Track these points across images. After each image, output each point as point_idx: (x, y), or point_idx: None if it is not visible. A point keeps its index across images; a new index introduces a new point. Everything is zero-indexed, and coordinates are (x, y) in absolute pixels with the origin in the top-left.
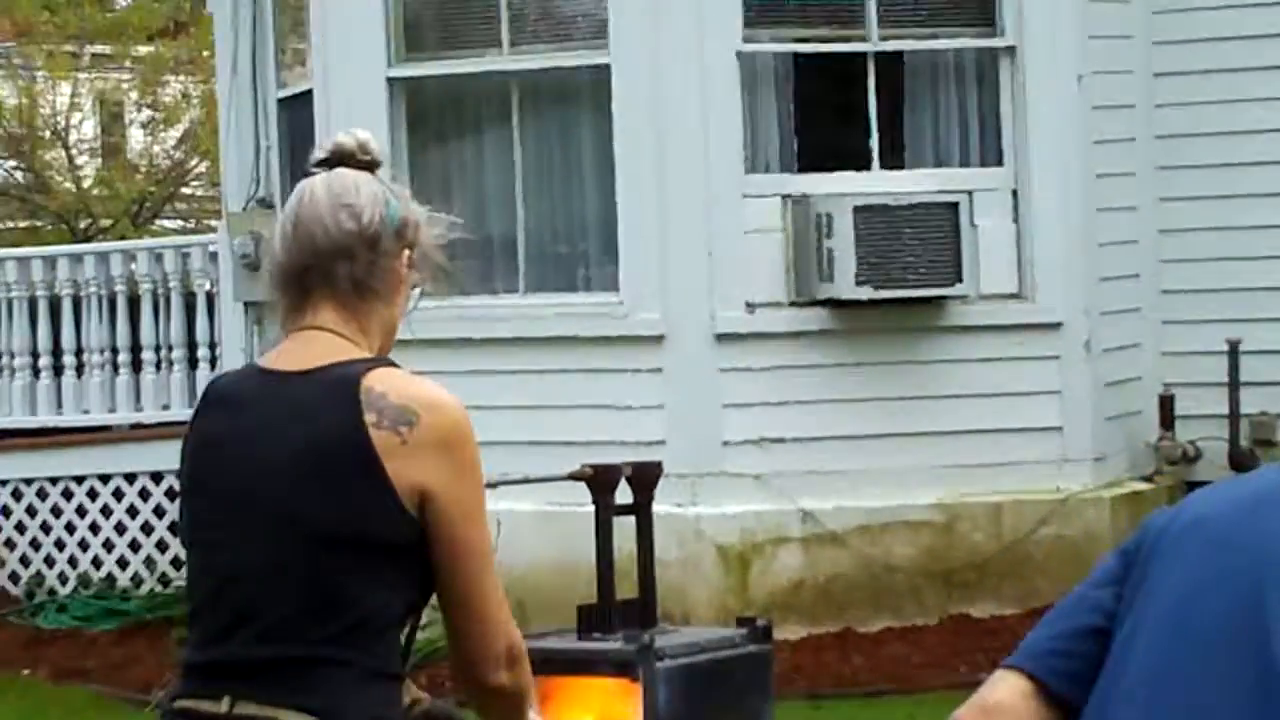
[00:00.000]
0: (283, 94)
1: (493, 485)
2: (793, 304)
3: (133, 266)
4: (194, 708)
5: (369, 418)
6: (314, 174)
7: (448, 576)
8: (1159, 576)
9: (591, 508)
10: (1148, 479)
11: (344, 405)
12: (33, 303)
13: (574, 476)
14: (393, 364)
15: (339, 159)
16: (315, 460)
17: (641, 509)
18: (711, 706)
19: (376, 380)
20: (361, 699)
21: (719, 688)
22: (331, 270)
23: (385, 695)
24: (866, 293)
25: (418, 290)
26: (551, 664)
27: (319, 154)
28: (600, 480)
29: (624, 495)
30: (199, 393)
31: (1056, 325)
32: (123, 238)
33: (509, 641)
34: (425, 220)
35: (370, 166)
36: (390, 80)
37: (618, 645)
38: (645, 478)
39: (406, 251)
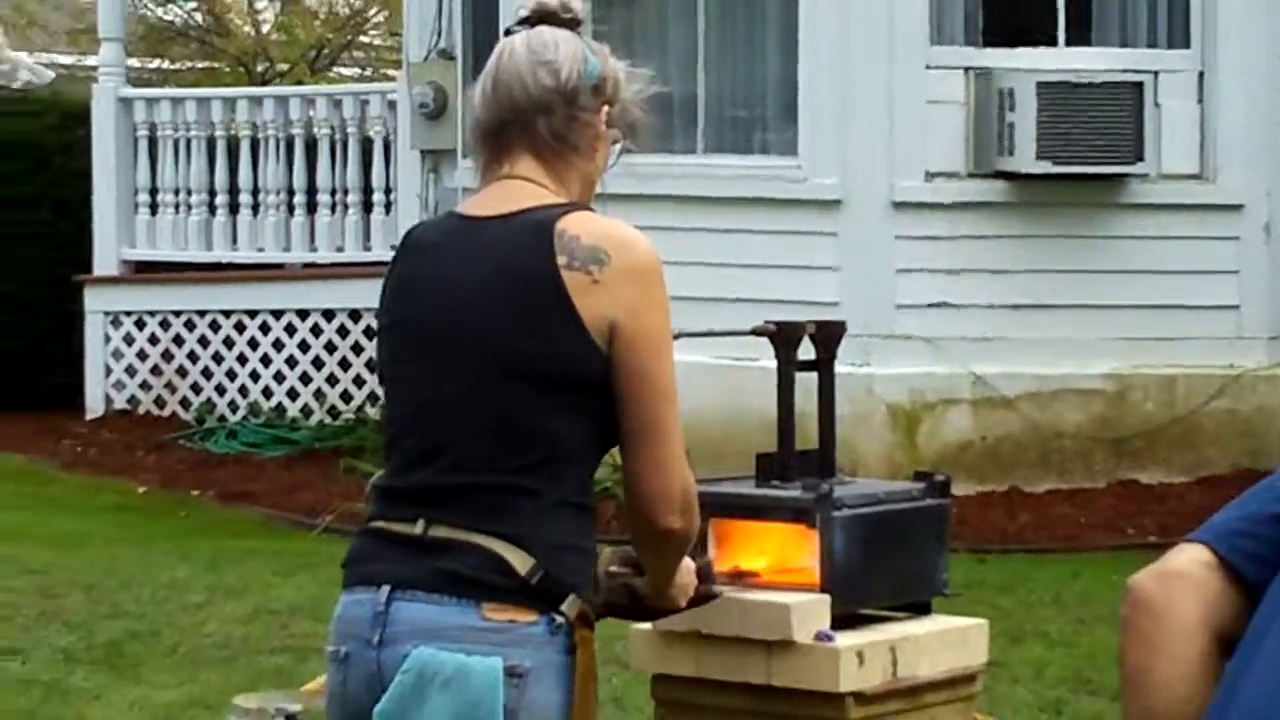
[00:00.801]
0: None
1: (677, 336)
2: (971, 175)
3: (311, 112)
4: (387, 528)
5: (561, 260)
6: (515, 32)
7: (630, 407)
8: None
9: (762, 363)
10: None
11: (538, 248)
12: (210, 142)
13: (757, 332)
14: (589, 209)
15: (541, 17)
16: (510, 299)
17: (823, 364)
18: (888, 556)
19: (570, 223)
20: (553, 528)
21: (895, 538)
22: (530, 124)
23: (577, 525)
24: (1046, 167)
25: (618, 146)
26: (729, 508)
27: (521, 12)
28: (784, 336)
29: (804, 352)
30: (372, 236)
31: (1237, 207)
32: (299, 83)
33: (684, 484)
34: (625, 77)
35: (572, 24)
36: None
37: (796, 493)
38: (828, 335)
39: (605, 108)
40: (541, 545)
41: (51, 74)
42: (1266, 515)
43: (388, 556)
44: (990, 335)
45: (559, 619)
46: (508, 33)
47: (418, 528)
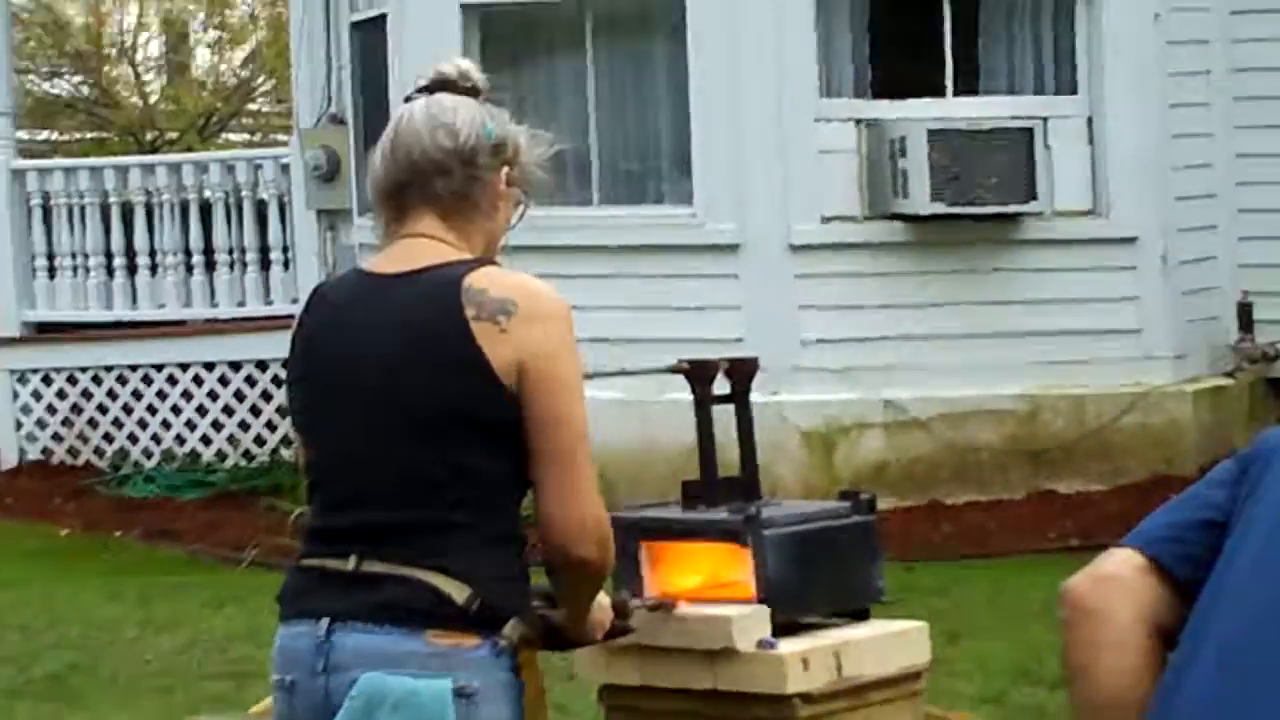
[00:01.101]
0: (356, 17)
1: (590, 376)
2: (867, 218)
3: (205, 177)
4: (321, 565)
5: (469, 312)
6: (415, 99)
7: (541, 443)
8: (1270, 485)
9: (671, 396)
10: (1229, 375)
11: (445, 302)
12: (105, 209)
13: (673, 370)
14: (495, 263)
15: (440, 85)
16: (419, 351)
17: (739, 396)
18: (821, 569)
19: (478, 279)
20: (486, 561)
21: (828, 552)
22: (428, 185)
23: (508, 556)
24: (940, 207)
25: (521, 206)
26: (659, 532)
27: (421, 81)
28: (698, 373)
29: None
30: (272, 291)
31: (1132, 239)
32: (189, 149)
33: (597, 514)
34: (526, 140)
35: (471, 93)
36: (464, 6)
37: (724, 515)
38: (742, 371)
39: (505, 169)
40: (476, 576)
41: None
42: (1194, 522)
43: (323, 592)
44: (898, 363)
45: (502, 642)
46: (407, 99)
47: (350, 564)
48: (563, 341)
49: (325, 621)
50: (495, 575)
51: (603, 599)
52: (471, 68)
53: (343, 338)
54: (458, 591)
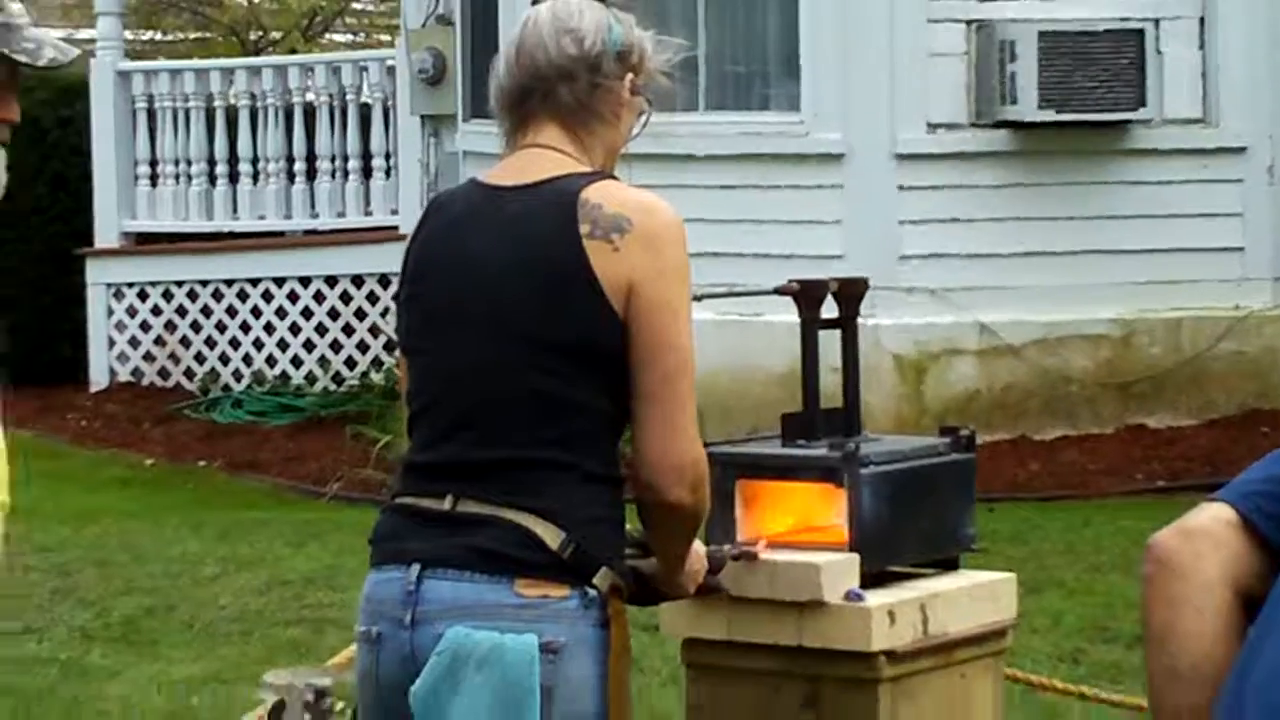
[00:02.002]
0: None
1: (699, 298)
2: (973, 125)
3: (310, 80)
4: (416, 504)
5: (584, 229)
6: (541, 1)
7: (644, 372)
8: None
9: (766, 318)
10: None
11: (561, 218)
12: (209, 113)
13: (781, 291)
14: (613, 178)
15: None
16: (532, 271)
17: (847, 322)
18: (915, 513)
19: (594, 193)
20: (583, 500)
21: (923, 494)
22: (553, 92)
23: (607, 497)
24: (1049, 115)
25: (644, 116)
26: (756, 469)
27: None
28: (808, 294)
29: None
30: (372, 201)
31: (1241, 149)
32: (293, 50)
33: (694, 456)
34: (652, 45)
35: None
36: None
37: (823, 451)
38: (851, 293)
39: (630, 76)
40: (572, 518)
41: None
42: None
43: (417, 534)
44: (994, 284)
45: (591, 592)
46: (534, 2)
47: (446, 503)
48: (676, 264)
49: (416, 567)
50: (592, 517)
51: (698, 548)
52: None
53: (455, 254)
54: (552, 536)
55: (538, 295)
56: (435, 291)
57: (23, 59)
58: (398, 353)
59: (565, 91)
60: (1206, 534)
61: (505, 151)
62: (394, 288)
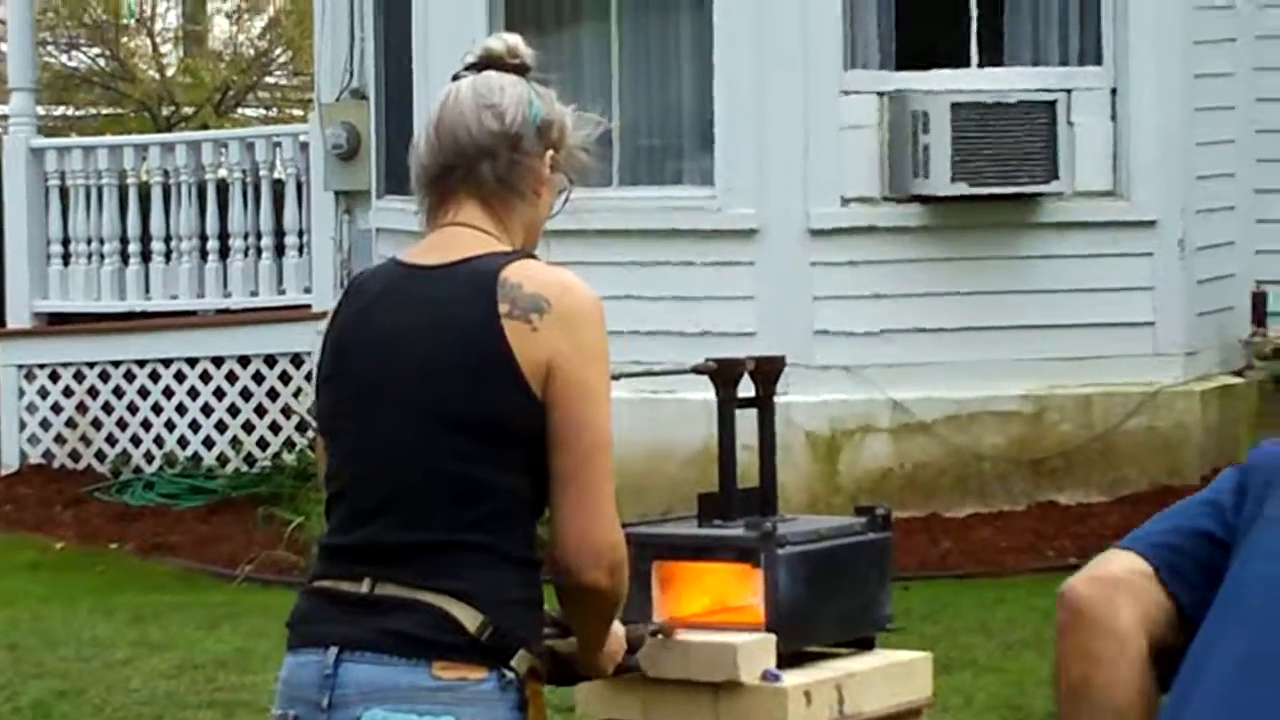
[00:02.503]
0: None
1: (616, 377)
2: (886, 199)
3: (223, 156)
4: (333, 587)
5: (503, 308)
6: (462, 77)
7: (562, 454)
8: (1275, 503)
9: (680, 395)
10: (1238, 374)
11: (480, 298)
12: (123, 190)
13: (698, 370)
14: (533, 257)
15: (487, 63)
16: (451, 351)
17: (764, 402)
18: (832, 592)
19: (513, 272)
20: (501, 582)
21: (840, 574)
22: (474, 169)
23: (524, 578)
24: (961, 189)
25: (564, 193)
26: (673, 550)
27: (469, 58)
28: (723, 374)
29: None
30: (285, 280)
31: (1151, 223)
32: (205, 126)
33: (612, 540)
34: (572, 121)
35: (519, 70)
36: None
37: (739, 531)
38: (768, 371)
39: (550, 152)
40: (490, 600)
41: None
42: (1192, 530)
43: (334, 617)
44: (907, 360)
45: (509, 674)
46: (455, 78)
47: (364, 586)
48: (594, 344)
49: (334, 650)
50: (510, 599)
51: (617, 628)
52: (519, 43)
53: (373, 334)
54: (470, 619)
55: (456, 376)
56: (353, 372)
57: None
58: (315, 434)
59: (486, 168)
60: (1121, 582)
61: (425, 229)
62: (307, 367)
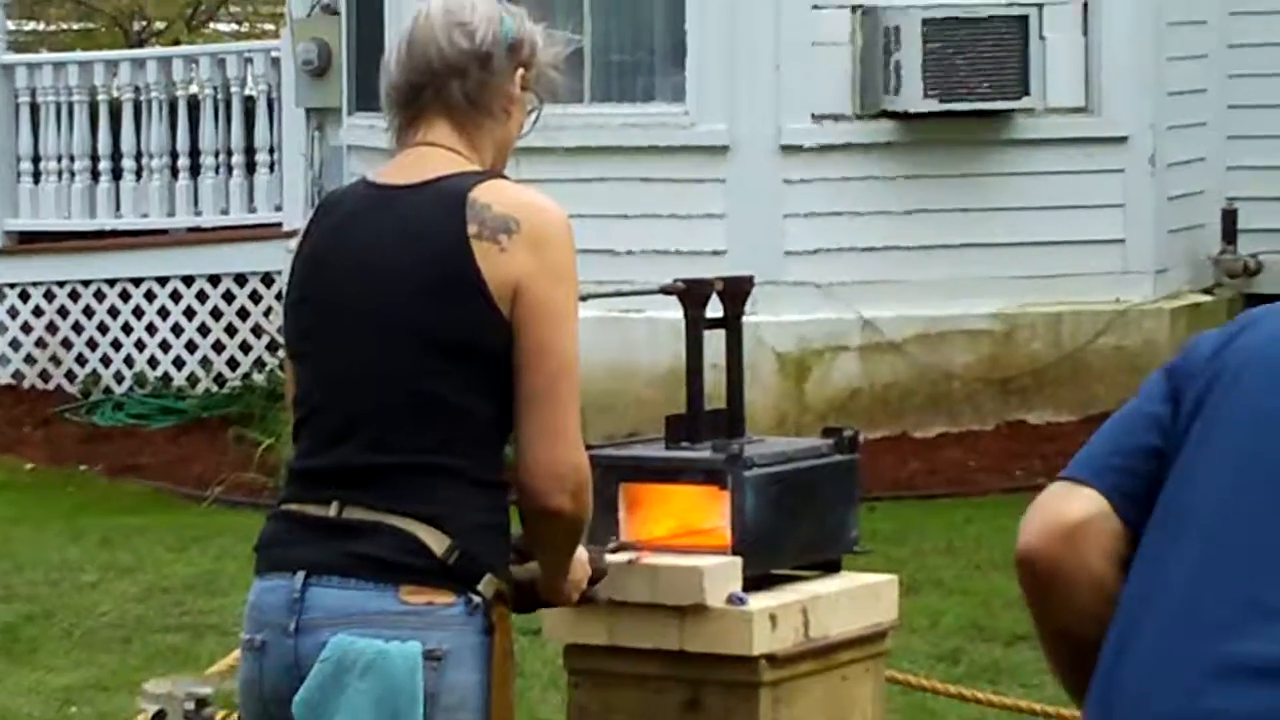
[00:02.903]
0: None
1: (584, 298)
2: (858, 116)
3: (194, 72)
4: (301, 511)
5: (471, 229)
6: None
7: (527, 375)
8: (1221, 404)
9: (648, 314)
10: (1208, 291)
11: (449, 218)
12: (93, 107)
13: (666, 290)
14: (503, 177)
15: None
16: (420, 271)
17: (733, 322)
18: (799, 515)
19: (482, 192)
20: (469, 506)
21: (807, 496)
22: (445, 88)
23: (491, 502)
24: (932, 105)
25: (534, 113)
26: (639, 472)
27: None
28: (692, 294)
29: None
30: (256, 197)
31: (1122, 139)
32: (177, 41)
33: (576, 462)
34: (542, 39)
35: None
36: None
37: (706, 454)
38: (736, 291)
39: (520, 71)
40: (458, 524)
41: None
42: (1143, 448)
43: (302, 541)
44: (877, 278)
45: (476, 599)
46: None
47: (332, 510)
48: (562, 266)
49: (301, 575)
50: (478, 524)
51: (581, 555)
52: None
53: (342, 255)
54: (437, 543)
55: (424, 296)
56: (321, 295)
57: None
58: (284, 356)
59: (456, 87)
60: (1080, 530)
61: (394, 149)
62: (278, 286)
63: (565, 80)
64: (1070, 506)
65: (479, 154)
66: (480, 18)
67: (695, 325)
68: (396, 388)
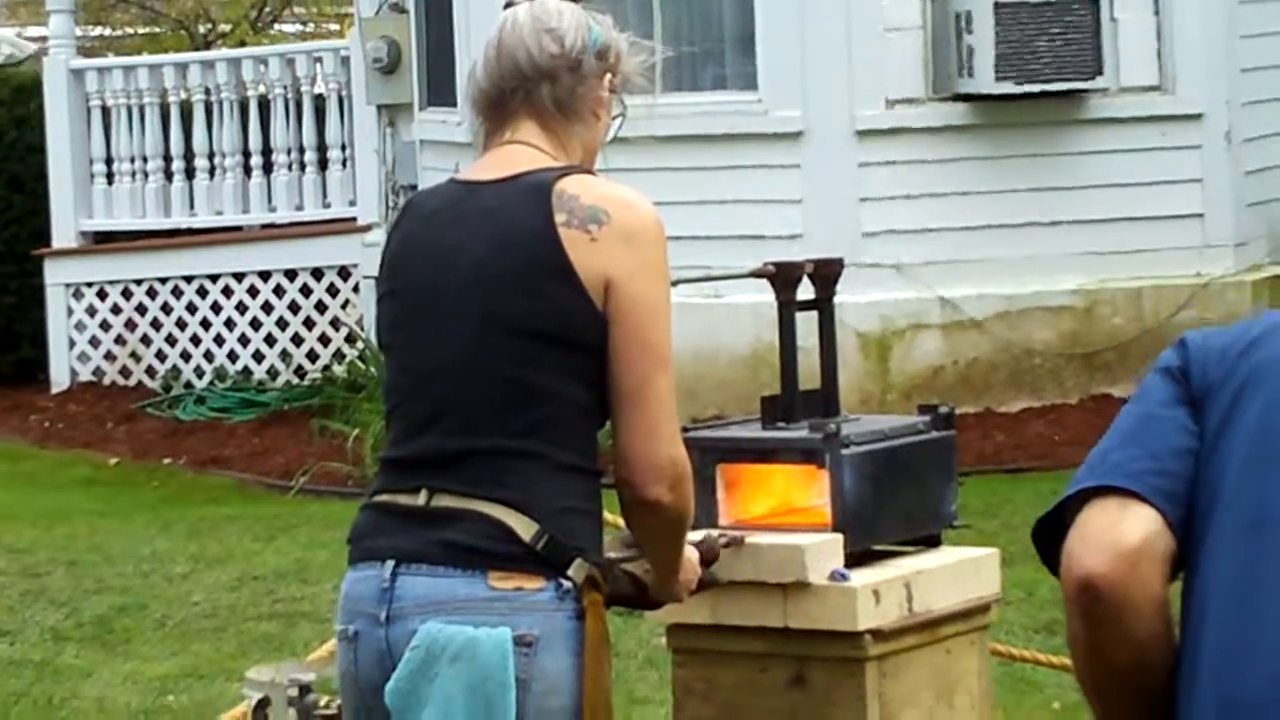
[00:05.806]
0: None
1: (676, 283)
2: (931, 99)
3: (264, 72)
4: (392, 502)
5: (559, 218)
6: (517, 3)
7: (622, 370)
8: (1251, 405)
9: (728, 299)
10: None
11: (537, 207)
12: (164, 109)
13: (758, 274)
14: (589, 172)
15: None
16: (509, 259)
17: (823, 304)
18: (898, 491)
19: (570, 184)
20: (556, 491)
21: (905, 473)
22: (533, 92)
23: (581, 488)
24: (1006, 87)
25: (619, 119)
26: (737, 453)
27: None
28: (783, 276)
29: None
30: (329, 193)
31: (1197, 116)
32: (242, 43)
33: (673, 456)
34: (628, 48)
35: None
36: None
37: (803, 433)
38: (827, 273)
39: (608, 76)
40: (545, 509)
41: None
42: (1177, 449)
43: (391, 530)
44: (955, 258)
45: (566, 584)
46: (509, 4)
47: (420, 498)
48: (654, 262)
49: (391, 564)
50: (564, 508)
51: (691, 555)
52: None
53: (431, 247)
54: (524, 528)
55: (514, 282)
56: (411, 285)
57: None
58: (376, 348)
59: (545, 91)
60: (1143, 553)
61: (482, 151)
62: (353, 279)
63: (649, 87)
64: (1130, 528)
65: (567, 155)
66: (569, 24)
67: (787, 307)
68: (483, 374)
